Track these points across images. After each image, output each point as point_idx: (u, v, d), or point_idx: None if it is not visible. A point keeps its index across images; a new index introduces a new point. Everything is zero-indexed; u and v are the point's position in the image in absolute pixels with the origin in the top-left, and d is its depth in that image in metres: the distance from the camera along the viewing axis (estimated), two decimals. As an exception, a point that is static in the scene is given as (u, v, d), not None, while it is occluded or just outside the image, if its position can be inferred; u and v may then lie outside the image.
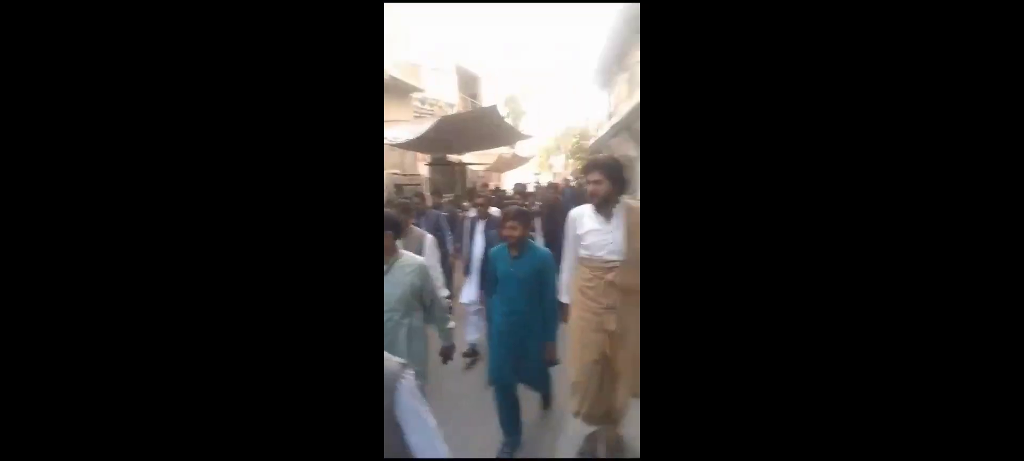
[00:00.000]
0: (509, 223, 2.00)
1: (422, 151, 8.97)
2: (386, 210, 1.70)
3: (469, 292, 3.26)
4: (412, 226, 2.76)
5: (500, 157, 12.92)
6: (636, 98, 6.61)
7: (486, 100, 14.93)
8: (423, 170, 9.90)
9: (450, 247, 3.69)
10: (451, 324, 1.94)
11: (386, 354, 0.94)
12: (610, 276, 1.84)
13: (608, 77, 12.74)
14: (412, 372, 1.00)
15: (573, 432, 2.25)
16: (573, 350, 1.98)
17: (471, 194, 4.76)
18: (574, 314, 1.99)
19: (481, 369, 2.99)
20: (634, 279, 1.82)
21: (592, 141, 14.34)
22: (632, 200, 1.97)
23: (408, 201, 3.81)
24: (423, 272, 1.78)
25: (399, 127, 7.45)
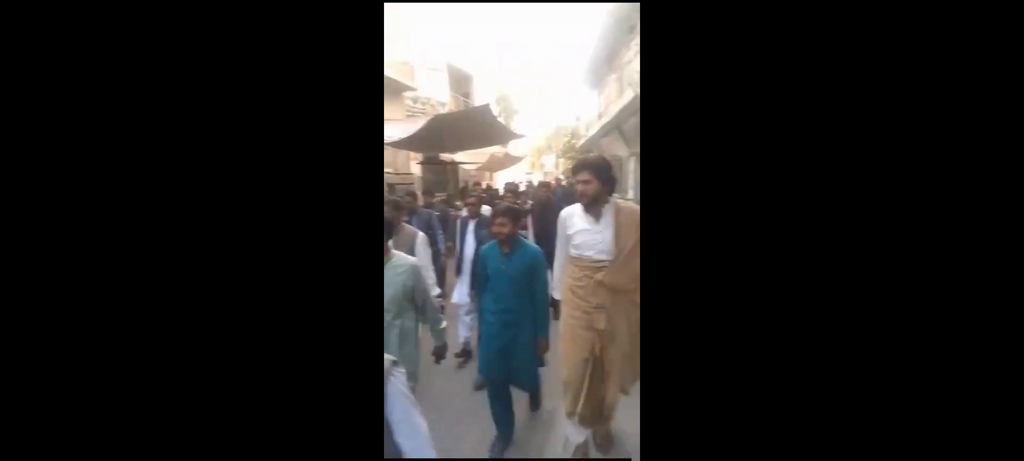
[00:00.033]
0: (498, 220, 2.02)
1: (414, 150, 8.94)
2: None
3: (461, 292, 3.26)
4: (403, 224, 2.76)
5: (492, 156, 12.90)
6: (626, 98, 6.65)
7: (478, 99, 14.92)
8: (415, 169, 9.87)
9: (442, 246, 3.69)
10: (444, 324, 1.95)
11: None
12: (599, 276, 1.86)
13: (598, 77, 12.79)
14: (403, 372, 1.01)
15: (563, 432, 2.27)
16: (564, 349, 2.00)
17: (463, 193, 4.76)
18: (564, 313, 2.01)
19: (473, 368, 2.99)
20: (623, 279, 1.84)
21: (582, 141, 14.39)
22: (622, 200, 1.99)
23: (400, 199, 3.81)
24: (415, 272, 1.78)
25: (391, 126, 7.41)
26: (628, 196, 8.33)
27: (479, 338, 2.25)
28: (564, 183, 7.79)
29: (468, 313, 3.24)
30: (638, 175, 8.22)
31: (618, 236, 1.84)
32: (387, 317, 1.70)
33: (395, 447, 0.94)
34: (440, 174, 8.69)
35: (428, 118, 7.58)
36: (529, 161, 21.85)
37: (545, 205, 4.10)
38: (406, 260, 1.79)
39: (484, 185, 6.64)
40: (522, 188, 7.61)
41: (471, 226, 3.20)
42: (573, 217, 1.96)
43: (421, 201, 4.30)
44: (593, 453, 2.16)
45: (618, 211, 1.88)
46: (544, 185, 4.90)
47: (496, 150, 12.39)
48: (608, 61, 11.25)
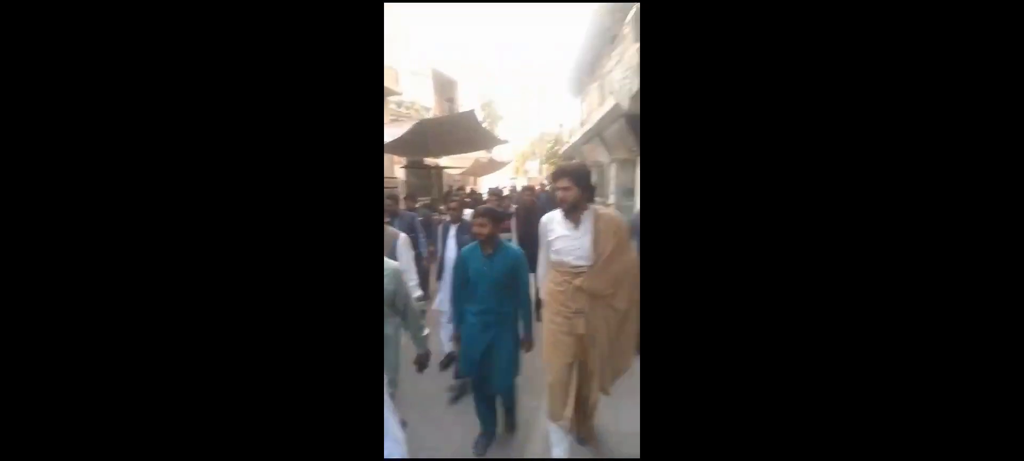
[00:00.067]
0: (478, 220, 2.02)
1: (399, 154, 8.89)
2: None
3: (442, 298, 3.22)
4: (385, 226, 2.75)
5: (477, 161, 12.93)
6: (607, 106, 6.76)
7: (463, 105, 14.93)
8: (399, 173, 9.82)
9: (424, 251, 3.67)
10: (426, 332, 1.94)
11: None
12: (578, 281, 1.90)
13: (581, 85, 12.96)
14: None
15: (543, 430, 2.30)
16: (547, 354, 2.04)
17: (447, 197, 4.75)
18: (546, 317, 2.04)
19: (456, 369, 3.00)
20: (601, 284, 1.88)
21: (565, 146, 14.54)
22: (601, 207, 2.04)
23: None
24: (396, 277, 1.76)
25: (375, 130, 7.34)
26: (609, 202, 8.44)
27: (460, 339, 2.27)
28: (548, 188, 7.86)
29: (450, 319, 3.22)
30: (618, 181, 8.35)
31: (597, 242, 1.88)
32: None
33: None
34: (424, 178, 8.67)
35: (413, 122, 7.57)
36: (513, 166, 21.94)
37: (529, 209, 4.15)
38: (388, 265, 1.77)
39: (468, 189, 6.63)
40: (506, 193, 7.65)
41: (453, 231, 3.16)
42: (553, 223, 2.00)
43: (403, 205, 4.27)
44: (579, 451, 2.20)
45: (597, 217, 1.92)
46: (528, 189, 4.96)
47: (481, 155, 12.43)
48: (590, 70, 11.40)
